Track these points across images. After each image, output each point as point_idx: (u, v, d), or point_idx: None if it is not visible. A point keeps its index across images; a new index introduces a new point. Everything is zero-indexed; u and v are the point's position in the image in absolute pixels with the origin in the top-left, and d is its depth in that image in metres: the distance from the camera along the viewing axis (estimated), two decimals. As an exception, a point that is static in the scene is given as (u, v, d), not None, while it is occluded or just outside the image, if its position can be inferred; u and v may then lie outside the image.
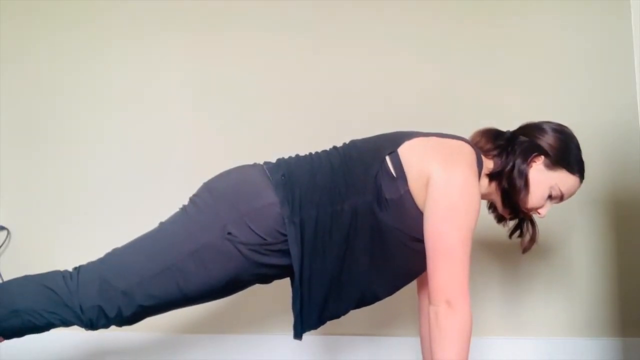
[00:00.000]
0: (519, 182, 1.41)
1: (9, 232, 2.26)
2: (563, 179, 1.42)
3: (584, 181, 1.48)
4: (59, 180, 2.27)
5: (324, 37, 2.25)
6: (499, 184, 1.44)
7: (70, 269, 1.36)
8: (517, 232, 1.55)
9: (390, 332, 2.16)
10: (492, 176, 1.44)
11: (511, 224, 1.56)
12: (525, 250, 1.54)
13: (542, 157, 1.42)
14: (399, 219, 1.35)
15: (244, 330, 2.17)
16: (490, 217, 1.60)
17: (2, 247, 2.25)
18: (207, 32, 2.28)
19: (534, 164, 1.42)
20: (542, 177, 1.42)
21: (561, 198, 1.45)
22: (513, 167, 1.42)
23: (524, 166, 1.42)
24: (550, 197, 1.44)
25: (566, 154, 1.43)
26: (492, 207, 1.59)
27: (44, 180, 2.28)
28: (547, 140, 1.43)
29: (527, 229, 1.53)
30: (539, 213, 1.45)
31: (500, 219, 1.57)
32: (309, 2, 2.26)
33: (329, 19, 2.25)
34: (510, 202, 1.45)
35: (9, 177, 2.29)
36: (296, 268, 1.32)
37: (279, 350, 2.13)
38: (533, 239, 1.52)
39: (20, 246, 2.26)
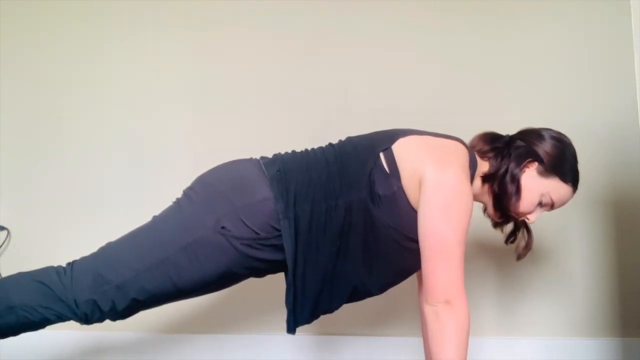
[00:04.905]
0: (511, 187, 1.41)
1: (9, 232, 2.27)
2: (555, 187, 1.42)
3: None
4: (59, 180, 2.28)
5: (324, 36, 2.25)
6: (491, 187, 1.44)
7: (64, 264, 1.37)
8: (513, 238, 1.54)
9: (390, 332, 2.15)
10: (485, 178, 1.44)
11: (507, 230, 1.55)
12: (519, 257, 1.53)
13: (536, 163, 1.42)
14: (392, 216, 1.34)
15: (243, 329, 2.17)
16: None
17: (2, 247, 2.26)
18: (205, 30, 2.29)
19: (527, 170, 1.42)
20: (534, 184, 1.41)
21: (552, 206, 1.45)
22: (506, 171, 1.41)
23: (516, 171, 1.41)
24: (540, 204, 1.44)
25: (561, 162, 1.42)
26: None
27: (44, 180, 2.28)
28: (544, 147, 1.42)
29: (523, 236, 1.53)
30: (528, 219, 1.45)
31: (496, 224, 1.56)
32: (308, 1, 2.27)
33: (328, 17, 2.26)
34: (500, 206, 1.44)
35: (9, 177, 2.30)
36: (289, 263, 1.32)
37: (278, 350, 2.12)
38: (528, 246, 1.51)
39: (20, 246, 2.26)
